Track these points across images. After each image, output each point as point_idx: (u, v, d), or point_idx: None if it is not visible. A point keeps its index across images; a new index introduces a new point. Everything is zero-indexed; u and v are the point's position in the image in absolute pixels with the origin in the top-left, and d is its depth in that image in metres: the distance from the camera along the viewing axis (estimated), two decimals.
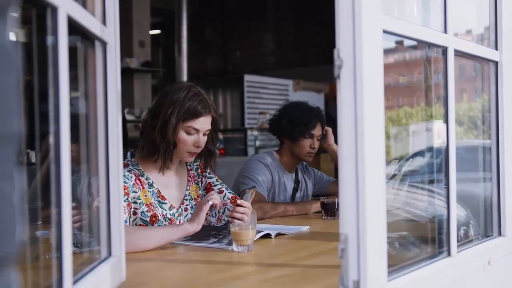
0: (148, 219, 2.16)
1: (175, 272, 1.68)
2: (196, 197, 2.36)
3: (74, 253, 1.06)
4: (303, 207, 2.85)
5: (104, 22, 1.34)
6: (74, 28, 1.10)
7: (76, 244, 1.33)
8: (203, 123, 2.20)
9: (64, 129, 1.00)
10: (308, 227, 2.36)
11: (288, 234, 2.22)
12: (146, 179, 2.22)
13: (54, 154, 0.99)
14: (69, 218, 1.02)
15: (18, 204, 0.59)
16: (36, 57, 1.06)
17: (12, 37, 0.60)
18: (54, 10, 0.98)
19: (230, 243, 1.90)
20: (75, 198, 1.15)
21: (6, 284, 0.57)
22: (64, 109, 1.01)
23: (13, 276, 0.59)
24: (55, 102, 0.99)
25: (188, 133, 2.18)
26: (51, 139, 1.00)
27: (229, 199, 2.34)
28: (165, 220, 2.20)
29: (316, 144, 3.01)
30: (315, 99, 7.34)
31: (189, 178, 2.37)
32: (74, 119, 1.13)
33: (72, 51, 1.07)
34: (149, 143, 2.19)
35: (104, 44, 1.33)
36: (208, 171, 2.42)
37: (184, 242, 1.99)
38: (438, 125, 1.88)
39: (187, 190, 2.34)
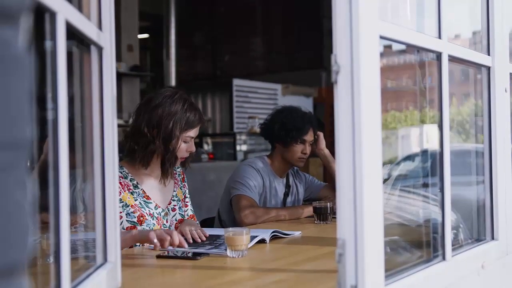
0: (135, 219, 2.21)
1: (170, 278, 1.67)
2: (181, 199, 2.44)
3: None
4: (295, 212, 2.85)
5: (100, 27, 1.33)
6: (70, 32, 1.10)
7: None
8: (197, 130, 2.33)
9: (62, 133, 1.00)
10: (300, 232, 2.36)
11: (284, 237, 2.23)
12: (131, 180, 2.27)
13: (53, 159, 0.99)
14: (67, 224, 1.01)
15: (30, 211, 0.59)
16: (33, 62, 1.05)
17: (24, 43, 0.60)
18: (53, 15, 0.97)
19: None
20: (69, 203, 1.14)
21: None
22: (62, 114, 1.00)
23: (25, 282, 0.59)
24: (54, 107, 0.98)
25: (185, 142, 2.29)
26: (50, 144, 0.99)
27: (188, 216, 2.42)
28: (152, 219, 2.25)
29: (308, 150, 3.01)
30: (304, 104, 7.34)
31: (176, 180, 2.45)
32: (69, 123, 1.12)
33: (67, 56, 1.07)
34: (149, 154, 2.24)
35: (100, 49, 1.33)
36: (184, 182, 2.51)
37: (181, 249, 1.98)
38: (427, 129, 1.89)
39: (174, 191, 2.41)
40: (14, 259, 0.56)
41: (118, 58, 7.28)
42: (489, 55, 1.82)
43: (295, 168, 3.19)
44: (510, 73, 1.91)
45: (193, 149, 2.32)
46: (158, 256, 1.87)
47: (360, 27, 1.15)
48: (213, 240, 2.12)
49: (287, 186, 3.14)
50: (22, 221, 0.57)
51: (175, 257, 1.86)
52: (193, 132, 2.29)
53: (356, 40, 1.15)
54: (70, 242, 1.24)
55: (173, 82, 8.76)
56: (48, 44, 1.00)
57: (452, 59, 1.58)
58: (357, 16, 1.14)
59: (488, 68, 1.82)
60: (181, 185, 2.48)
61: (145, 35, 10.16)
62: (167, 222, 2.33)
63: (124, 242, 1.98)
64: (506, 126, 1.88)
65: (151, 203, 2.28)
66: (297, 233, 2.34)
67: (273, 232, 2.18)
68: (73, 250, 1.42)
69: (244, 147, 7.45)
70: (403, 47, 1.56)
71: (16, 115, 0.56)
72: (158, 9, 8.78)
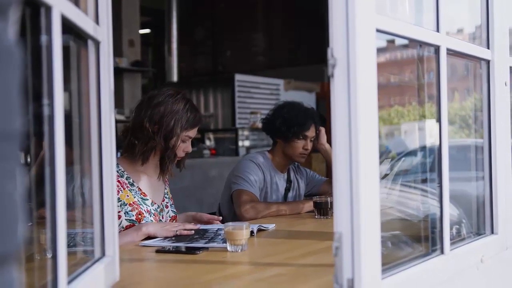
0: (134, 217, 2.23)
1: (168, 272, 1.67)
2: (170, 198, 2.49)
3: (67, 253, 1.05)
4: (295, 207, 2.85)
5: (97, 21, 1.33)
6: (67, 27, 1.10)
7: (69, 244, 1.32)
8: (196, 131, 2.37)
9: (58, 129, 1.00)
10: (274, 225, 2.38)
11: (266, 229, 2.29)
12: (126, 179, 2.30)
13: (49, 155, 0.99)
14: (64, 218, 1.01)
15: (20, 202, 0.60)
16: (28, 56, 1.06)
17: (13, 36, 0.60)
18: (48, 9, 0.97)
19: (225, 241, 1.90)
20: (67, 198, 1.15)
21: (8, 281, 0.57)
22: (58, 109, 1.00)
23: (15, 273, 0.59)
24: (50, 102, 0.99)
25: (183, 141, 2.32)
26: (45, 140, 0.99)
27: (170, 217, 2.44)
28: (150, 216, 2.29)
29: (309, 145, 3.01)
30: (307, 99, 7.35)
31: (166, 179, 2.49)
32: (67, 119, 1.12)
33: (64, 51, 1.07)
34: (149, 150, 2.27)
35: (97, 43, 1.33)
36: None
37: (180, 243, 1.98)
38: (429, 124, 1.88)
39: (165, 188, 2.47)
40: (3, 249, 0.56)
41: (119, 53, 7.29)
42: (488, 48, 1.82)
43: (296, 163, 3.19)
44: (510, 67, 1.90)
45: (189, 149, 2.37)
46: (157, 251, 1.87)
47: (357, 20, 1.15)
48: (203, 234, 2.12)
49: (288, 181, 3.14)
50: (12, 212, 0.57)
51: (174, 251, 1.87)
52: (192, 132, 2.33)
53: (352, 34, 1.15)
54: (73, 236, 1.25)
55: (174, 78, 8.76)
56: (43, 38, 1.01)
57: (450, 52, 1.57)
58: (353, 10, 1.14)
59: (488, 62, 1.82)
60: (168, 184, 2.53)
61: (147, 30, 10.15)
62: (162, 218, 2.38)
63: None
64: (506, 120, 1.87)
65: (147, 199, 2.32)
66: (271, 226, 2.37)
67: (258, 228, 2.22)
68: (74, 244, 1.42)
69: (246, 143, 7.45)
70: (406, 41, 1.56)
71: (5, 107, 0.57)
72: (159, 4, 8.78)
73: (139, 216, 2.24)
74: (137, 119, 2.29)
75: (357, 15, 1.15)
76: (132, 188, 2.28)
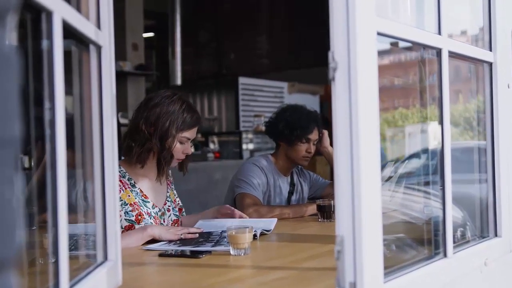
0: (133, 218, 2.24)
1: (171, 276, 1.67)
2: (173, 200, 2.48)
3: (70, 257, 1.05)
4: (299, 210, 2.85)
5: (98, 25, 1.34)
6: (68, 31, 1.10)
7: (71, 248, 1.32)
8: (194, 132, 2.35)
9: (60, 133, 1.00)
10: (275, 219, 2.40)
11: (269, 231, 2.28)
12: (128, 180, 2.30)
13: (50, 159, 0.99)
14: (65, 223, 1.02)
15: (18, 208, 0.60)
16: (30, 61, 1.06)
17: (12, 41, 0.60)
18: (49, 14, 0.98)
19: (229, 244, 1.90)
20: (70, 203, 1.15)
21: (7, 286, 0.57)
22: (60, 113, 1.00)
23: (13, 279, 0.59)
24: (51, 106, 0.99)
25: (181, 142, 2.31)
26: (47, 144, 0.99)
27: (172, 221, 2.43)
28: (150, 218, 2.29)
29: (312, 149, 3.01)
30: (310, 101, 7.33)
31: (168, 182, 2.49)
32: (69, 123, 1.13)
33: (66, 55, 1.07)
34: (146, 151, 2.27)
35: (98, 48, 1.33)
36: (172, 185, 2.54)
37: (183, 247, 1.98)
38: (433, 127, 1.88)
39: (167, 192, 2.46)
40: (1, 255, 0.56)
41: (123, 57, 7.29)
42: (491, 50, 1.81)
43: (300, 166, 3.19)
44: None
45: (189, 151, 2.35)
46: (160, 255, 1.87)
47: (357, 23, 1.15)
48: (207, 238, 2.12)
49: (292, 184, 3.14)
50: (10, 218, 0.58)
51: (177, 255, 1.86)
52: (189, 133, 2.32)
53: (353, 37, 1.15)
54: (76, 239, 1.25)
55: (178, 81, 8.77)
56: (45, 43, 1.01)
57: (453, 55, 1.57)
58: (354, 13, 1.14)
59: (490, 64, 1.81)
60: (172, 187, 2.53)
61: (150, 34, 10.16)
62: (164, 221, 2.38)
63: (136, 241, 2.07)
64: (509, 123, 1.87)
65: (148, 202, 2.32)
66: (273, 221, 2.39)
67: (261, 232, 2.21)
68: (76, 247, 1.43)
69: (250, 146, 7.44)
70: (409, 44, 1.56)
71: (4, 113, 0.57)
72: (163, 7, 8.80)
73: (139, 217, 2.24)
74: (134, 122, 2.31)
75: (357, 18, 1.15)
76: (133, 189, 2.28)
